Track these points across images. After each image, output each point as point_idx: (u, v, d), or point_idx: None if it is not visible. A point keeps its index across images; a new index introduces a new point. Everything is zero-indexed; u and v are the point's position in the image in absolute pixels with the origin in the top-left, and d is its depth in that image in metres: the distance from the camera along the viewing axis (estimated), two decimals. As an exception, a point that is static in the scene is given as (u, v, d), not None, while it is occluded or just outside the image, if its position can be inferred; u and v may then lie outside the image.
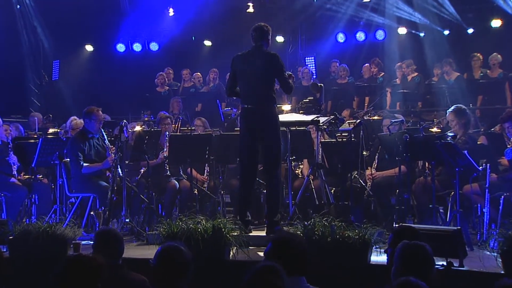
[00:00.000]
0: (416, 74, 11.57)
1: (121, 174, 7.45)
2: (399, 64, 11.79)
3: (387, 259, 4.30)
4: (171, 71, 13.29)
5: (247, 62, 6.72)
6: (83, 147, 7.68)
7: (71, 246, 6.13)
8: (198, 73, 12.91)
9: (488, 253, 5.56)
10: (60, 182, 7.96)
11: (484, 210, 6.66)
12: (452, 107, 7.47)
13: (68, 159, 7.85)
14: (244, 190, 6.82)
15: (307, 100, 7.57)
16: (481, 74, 11.23)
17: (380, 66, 12.15)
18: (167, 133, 8.40)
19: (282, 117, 7.18)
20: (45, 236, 6.06)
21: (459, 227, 5.63)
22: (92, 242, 4.74)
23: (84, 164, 7.62)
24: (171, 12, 14.18)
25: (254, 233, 6.73)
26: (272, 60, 6.67)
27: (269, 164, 6.75)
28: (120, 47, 14.80)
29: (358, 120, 8.12)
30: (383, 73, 12.09)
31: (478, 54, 11.32)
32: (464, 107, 7.50)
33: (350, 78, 12.34)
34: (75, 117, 9.13)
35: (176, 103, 11.46)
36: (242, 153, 6.85)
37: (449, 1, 12.95)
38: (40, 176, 8.72)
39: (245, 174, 6.81)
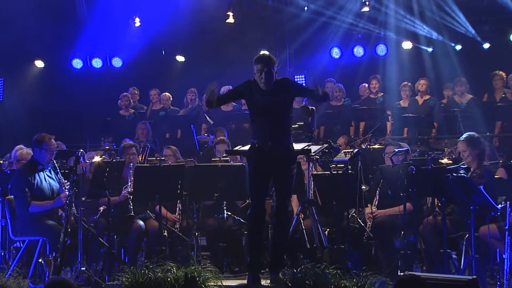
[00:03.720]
0: (429, 96, 11.66)
1: (76, 213, 7.41)
2: (404, 83, 11.92)
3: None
4: (136, 91, 13.31)
5: None
6: (31, 181, 7.64)
7: (15, 300, 6.07)
8: (167, 93, 12.95)
9: (509, 306, 5.60)
10: (3, 223, 7.89)
11: (504, 256, 6.71)
12: (464, 135, 7.56)
13: (13, 196, 7.80)
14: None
15: (297, 125, 7.62)
16: (503, 96, 11.37)
17: (380, 84, 12.25)
18: (131, 164, 8.40)
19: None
20: (-16, 288, 5.99)
21: (474, 276, 5.65)
22: (40, 295, 4.72)
23: (32, 202, 7.57)
24: (137, 22, 14.25)
25: (233, 282, 6.71)
26: None
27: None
28: (77, 63, 14.83)
29: (356, 149, 8.17)
30: (382, 93, 12.20)
31: (501, 73, 11.44)
32: (477, 135, 7.59)
33: (346, 99, 12.43)
34: (22, 146, 9.10)
35: (141, 129, 11.46)
36: None
37: (462, 12, 13.16)
38: (-21, 217, 8.65)
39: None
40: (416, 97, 11.69)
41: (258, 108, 6.72)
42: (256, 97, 6.69)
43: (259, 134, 6.69)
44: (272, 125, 6.65)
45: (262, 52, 7.09)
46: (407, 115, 11.26)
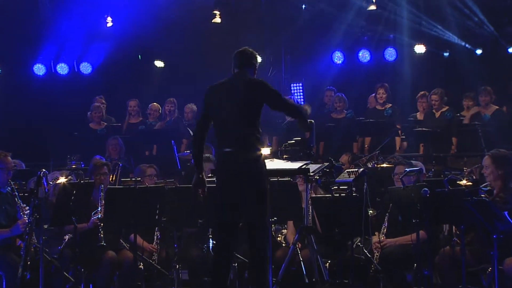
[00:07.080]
0: (446, 108, 11.68)
1: (37, 244, 7.38)
2: (422, 93, 11.94)
3: None
4: (103, 101, 13.23)
5: (225, 93, 6.80)
6: (-16, 206, 7.63)
7: None
8: (155, 104, 12.90)
9: None
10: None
11: (532, 292, 6.72)
12: (492, 151, 7.54)
13: (-36, 223, 7.78)
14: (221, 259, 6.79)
15: (293, 141, 7.64)
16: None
17: (388, 93, 12.27)
18: (102, 186, 8.38)
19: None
20: None
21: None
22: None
23: (-15, 230, 7.57)
24: (109, 22, 14.26)
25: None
26: (258, 87, 6.76)
27: (253, 224, 6.74)
28: (39, 69, 14.83)
29: (361, 169, 8.19)
30: (390, 105, 12.22)
31: None
32: (508, 152, 7.57)
33: (349, 112, 12.42)
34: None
35: (113, 145, 11.44)
36: (219, 211, 6.85)
37: (482, 12, 13.24)
38: None
39: (223, 238, 6.80)
40: (433, 109, 11.71)
41: None
42: None
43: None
44: None
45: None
46: (420, 129, 11.27)
